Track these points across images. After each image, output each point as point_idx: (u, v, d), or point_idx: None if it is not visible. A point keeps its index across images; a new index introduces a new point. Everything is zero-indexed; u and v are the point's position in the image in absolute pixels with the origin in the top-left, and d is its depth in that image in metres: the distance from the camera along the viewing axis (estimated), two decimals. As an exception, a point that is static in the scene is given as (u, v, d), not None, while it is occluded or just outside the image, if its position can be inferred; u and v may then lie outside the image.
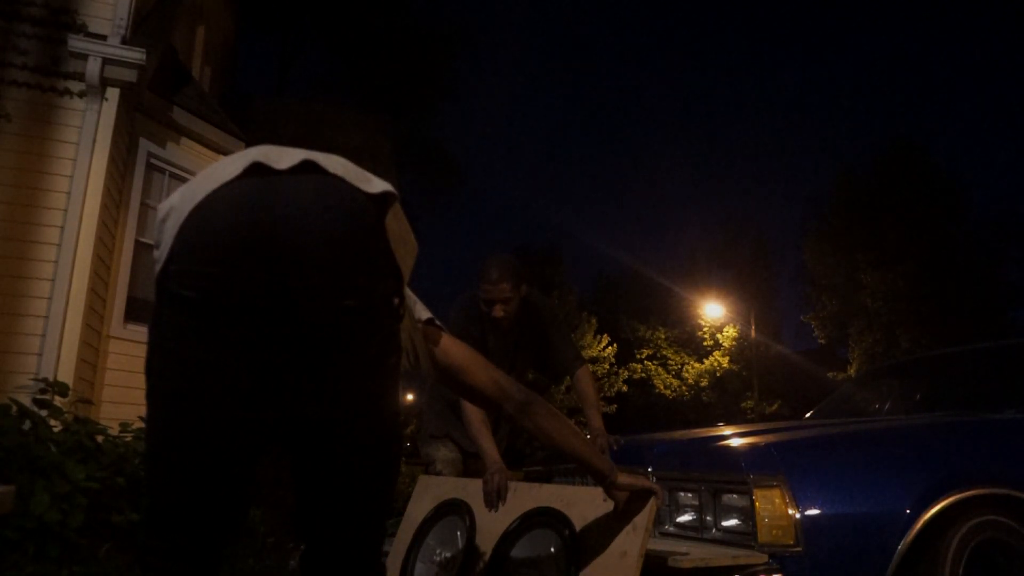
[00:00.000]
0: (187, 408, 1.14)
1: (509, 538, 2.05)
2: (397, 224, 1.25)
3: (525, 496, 2.16)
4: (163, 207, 1.22)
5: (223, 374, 1.12)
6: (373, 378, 1.20)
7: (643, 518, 1.75)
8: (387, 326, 1.22)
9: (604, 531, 1.82)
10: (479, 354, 1.59)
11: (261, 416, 1.16)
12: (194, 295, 1.12)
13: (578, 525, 1.89)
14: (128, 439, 3.76)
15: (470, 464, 3.02)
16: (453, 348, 1.54)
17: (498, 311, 2.77)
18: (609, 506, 1.82)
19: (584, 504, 1.92)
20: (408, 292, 1.44)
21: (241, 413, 1.14)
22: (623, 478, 1.75)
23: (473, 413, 2.59)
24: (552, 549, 1.95)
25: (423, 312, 1.51)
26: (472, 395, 1.62)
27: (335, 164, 1.24)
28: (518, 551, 2.03)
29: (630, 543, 1.74)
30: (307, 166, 1.21)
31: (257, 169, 1.19)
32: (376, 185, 1.25)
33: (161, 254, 1.18)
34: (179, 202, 1.19)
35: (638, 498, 1.78)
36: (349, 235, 1.16)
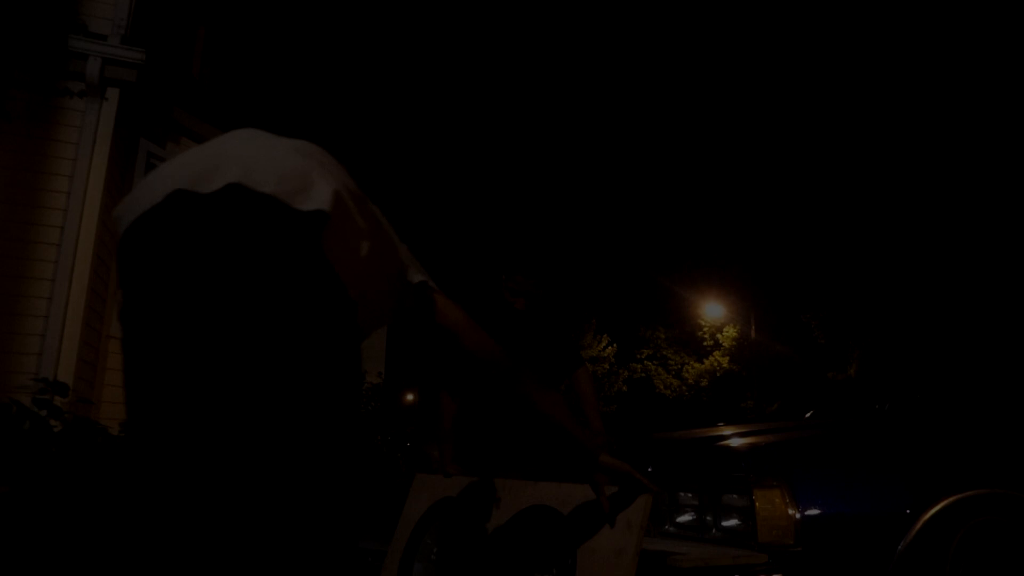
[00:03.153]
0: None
1: (505, 536, 2.05)
2: (336, 236, 1.19)
3: (521, 494, 2.16)
4: (114, 216, 1.29)
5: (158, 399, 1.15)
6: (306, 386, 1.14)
7: (638, 516, 1.74)
8: (319, 339, 1.16)
9: (599, 529, 1.81)
10: (471, 319, 1.53)
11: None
12: (123, 322, 1.20)
13: (573, 523, 1.89)
14: (128, 439, 3.76)
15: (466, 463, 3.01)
16: (449, 310, 1.47)
17: (521, 304, 2.81)
18: (605, 504, 1.81)
19: (579, 502, 1.92)
20: (403, 254, 1.40)
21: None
22: (606, 459, 1.72)
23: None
24: (548, 547, 1.95)
25: (416, 275, 1.43)
26: (463, 360, 1.54)
27: (269, 178, 1.19)
28: (514, 549, 2.03)
29: (626, 541, 1.73)
30: (232, 190, 1.17)
31: (180, 196, 1.18)
32: (313, 198, 1.19)
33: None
34: (120, 220, 1.25)
35: (631, 491, 1.77)
36: (263, 273, 1.13)
